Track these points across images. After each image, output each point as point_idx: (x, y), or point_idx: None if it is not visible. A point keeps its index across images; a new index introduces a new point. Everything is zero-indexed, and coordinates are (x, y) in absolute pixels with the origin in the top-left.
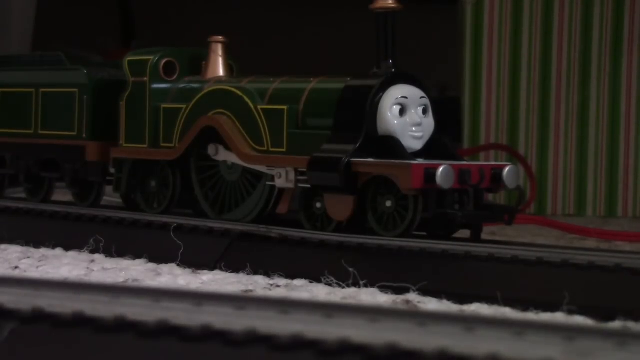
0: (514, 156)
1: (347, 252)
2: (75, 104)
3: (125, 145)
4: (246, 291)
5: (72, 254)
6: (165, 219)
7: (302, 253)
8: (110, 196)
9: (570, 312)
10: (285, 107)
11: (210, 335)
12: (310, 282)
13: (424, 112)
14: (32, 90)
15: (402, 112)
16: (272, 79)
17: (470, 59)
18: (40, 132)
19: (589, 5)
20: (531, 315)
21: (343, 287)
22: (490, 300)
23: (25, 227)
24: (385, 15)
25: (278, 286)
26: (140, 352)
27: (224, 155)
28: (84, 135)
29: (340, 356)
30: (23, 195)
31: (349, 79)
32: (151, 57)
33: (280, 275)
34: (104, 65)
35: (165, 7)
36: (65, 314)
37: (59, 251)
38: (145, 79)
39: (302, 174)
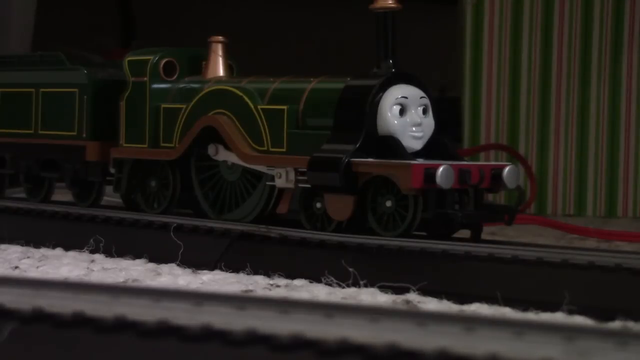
0: (514, 156)
1: (347, 252)
2: (75, 103)
3: (125, 145)
4: (246, 291)
5: (72, 254)
6: (165, 218)
7: (302, 253)
8: (110, 196)
9: (570, 312)
10: (285, 107)
11: (210, 335)
12: (310, 282)
13: (424, 112)
14: (32, 90)
15: (402, 112)
16: (272, 79)
17: (471, 59)
18: (40, 132)
19: (589, 6)
20: (531, 315)
21: (343, 287)
22: (490, 300)
23: (25, 227)
24: (385, 15)
25: (278, 286)
26: (140, 352)
27: (224, 155)
28: (84, 135)
29: (340, 356)
30: (23, 195)
31: (349, 78)
32: (151, 57)
33: (280, 275)
34: (104, 65)
35: (166, 7)
36: (65, 314)
37: (59, 251)
38: (145, 78)
39: (302, 173)
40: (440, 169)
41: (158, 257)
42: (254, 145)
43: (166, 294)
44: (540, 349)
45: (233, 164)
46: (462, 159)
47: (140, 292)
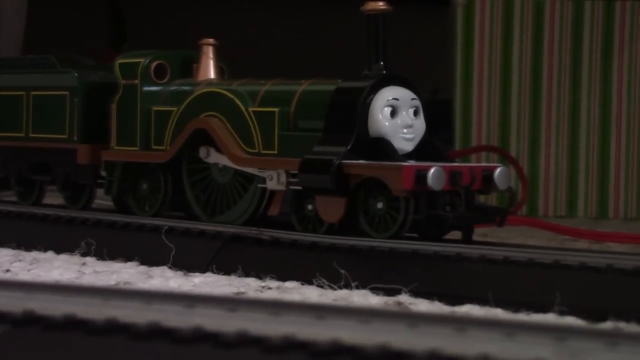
0: (505, 158)
1: (339, 253)
2: (66, 106)
3: (116, 148)
4: (238, 293)
5: (63, 257)
6: (156, 221)
7: (294, 255)
8: (102, 199)
9: (562, 313)
10: (276, 110)
11: (201, 337)
12: (302, 284)
13: (415, 113)
14: (23, 93)
15: (393, 113)
16: (263, 81)
17: (461, 61)
18: (31, 135)
19: (580, 7)
20: (522, 316)
21: (335, 289)
22: (482, 301)
23: (17, 230)
24: (376, 17)
25: (270, 288)
26: (131, 354)
27: (215, 158)
28: (75, 138)
29: (331, 357)
30: (14, 199)
31: (340, 80)
32: (142, 60)
33: (272, 277)
34: (95, 68)
35: (157, 10)
36: (56, 317)
37: (50, 254)
38: (136, 81)
39: (293, 176)
40: (432, 170)
41: (149, 259)
42: (245, 147)
43: (158, 296)
44: (531, 350)
45: (224, 166)
46: (453, 161)
47: (132, 295)
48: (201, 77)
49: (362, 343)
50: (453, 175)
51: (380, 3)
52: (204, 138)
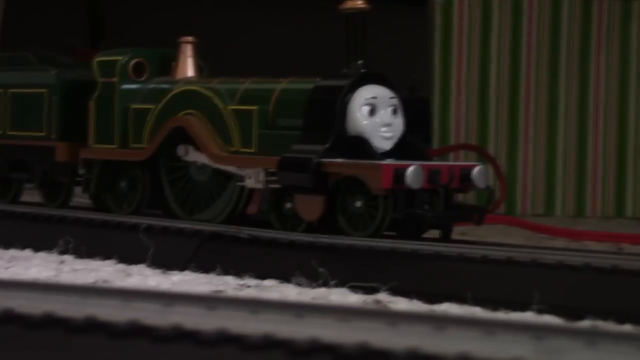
0: (484, 156)
1: (318, 252)
2: (44, 104)
3: (94, 145)
4: (216, 291)
5: (41, 254)
6: (135, 219)
7: (273, 253)
8: (80, 197)
9: (540, 311)
10: (255, 108)
11: (180, 336)
12: (281, 283)
13: (394, 112)
14: (1, 90)
15: (372, 112)
16: (242, 80)
17: (440, 60)
18: (9, 132)
19: (557, 6)
20: (501, 315)
21: (313, 287)
22: (460, 299)
23: None
24: (355, 15)
25: (248, 286)
26: (111, 352)
27: (193, 156)
28: (53, 136)
29: (310, 356)
30: None
31: (318, 79)
32: (120, 58)
33: (251, 276)
34: (73, 66)
35: (135, 8)
36: (35, 315)
37: (28, 252)
38: (115, 79)
39: (272, 174)
40: (410, 169)
41: (128, 258)
42: (223, 145)
43: (136, 294)
44: (510, 348)
45: (203, 164)
46: (431, 159)
47: (111, 293)
48: (180, 75)
49: (341, 341)
50: (431, 174)
51: (359, 2)
52: (183, 136)
